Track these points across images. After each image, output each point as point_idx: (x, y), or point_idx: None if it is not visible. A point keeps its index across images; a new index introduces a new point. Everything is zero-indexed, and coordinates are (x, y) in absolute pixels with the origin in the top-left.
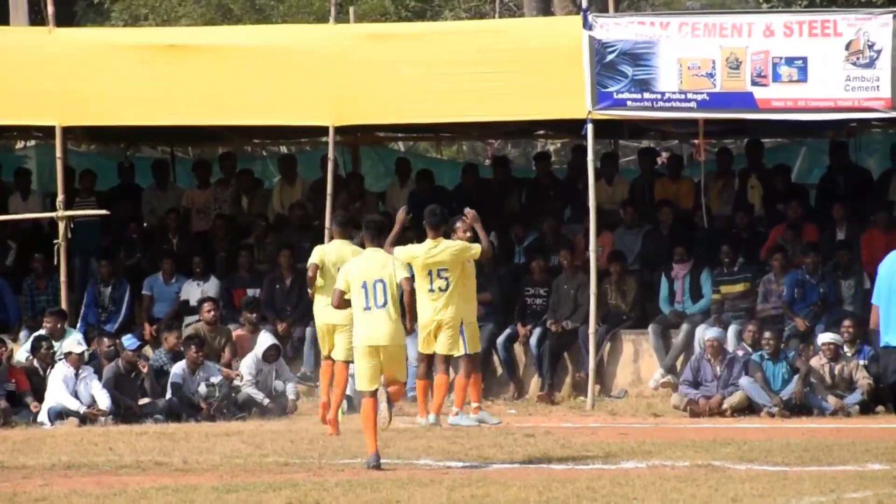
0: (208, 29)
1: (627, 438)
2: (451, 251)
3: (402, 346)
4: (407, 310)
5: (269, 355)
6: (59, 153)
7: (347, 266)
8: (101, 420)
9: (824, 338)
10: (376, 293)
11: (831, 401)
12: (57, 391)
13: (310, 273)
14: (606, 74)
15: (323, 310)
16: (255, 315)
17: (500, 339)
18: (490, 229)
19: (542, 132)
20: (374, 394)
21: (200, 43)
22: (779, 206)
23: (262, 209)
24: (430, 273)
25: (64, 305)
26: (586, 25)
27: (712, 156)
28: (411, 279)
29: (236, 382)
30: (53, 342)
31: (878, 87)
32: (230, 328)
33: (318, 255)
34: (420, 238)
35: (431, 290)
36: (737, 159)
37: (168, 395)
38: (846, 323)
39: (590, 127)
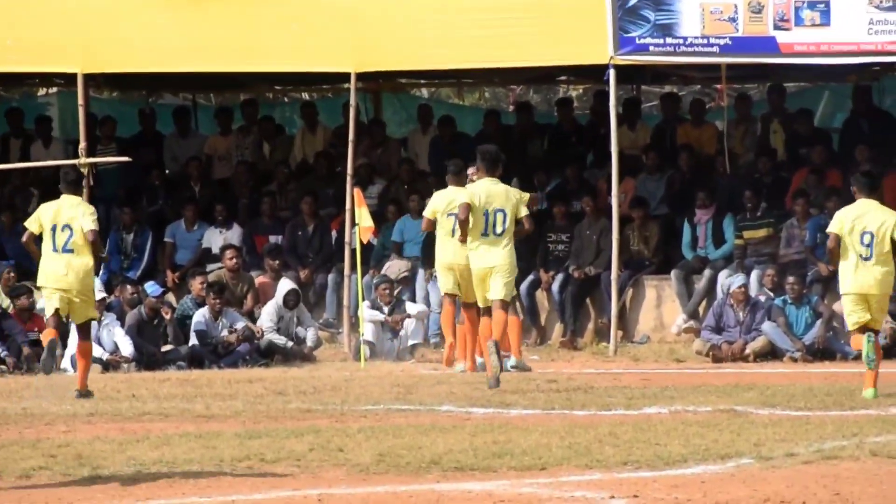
0: None
1: (650, 384)
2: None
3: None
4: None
5: (289, 301)
6: (80, 100)
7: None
8: (123, 366)
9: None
10: (496, 221)
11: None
12: None
13: (461, 215)
14: (628, 19)
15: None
16: (277, 262)
17: (523, 286)
18: (512, 175)
19: (563, 78)
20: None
21: None
22: (801, 151)
23: (283, 156)
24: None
25: None
26: None
27: (733, 101)
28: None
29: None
30: None
31: None
32: (252, 275)
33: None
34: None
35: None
36: (759, 104)
37: (192, 342)
38: None
39: (612, 72)
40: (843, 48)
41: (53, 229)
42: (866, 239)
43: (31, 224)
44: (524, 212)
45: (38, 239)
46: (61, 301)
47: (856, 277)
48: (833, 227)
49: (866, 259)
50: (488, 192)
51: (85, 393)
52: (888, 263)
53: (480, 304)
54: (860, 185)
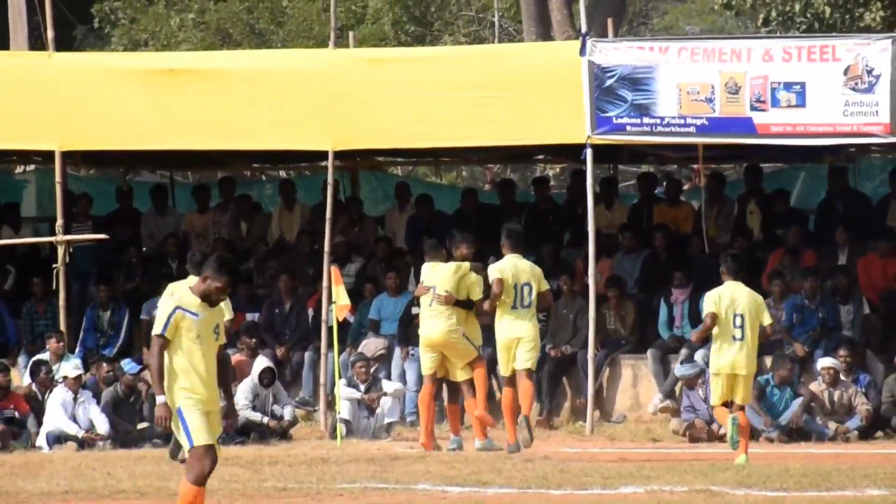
0: (208, 53)
1: (626, 463)
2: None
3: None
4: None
5: (265, 378)
6: (58, 177)
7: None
8: (99, 444)
9: (824, 362)
10: (523, 294)
11: (830, 426)
12: (55, 415)
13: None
14: (606, 99)
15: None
16: (253, 340)
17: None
18: (489, 254)
19: (541, 157)
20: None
21: (200, 67)
22: (778, 232)
23: (261, 234)
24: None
25: (63, 329)
26: (583, 52)
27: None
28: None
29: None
30: (52, 366)
31: (876, 111)
32: (229, 353)
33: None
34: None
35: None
36: (736, 184)
37: None
38: (842, 352)
39: (589, 152)
40: (819, 129)
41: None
42: (738, 321)
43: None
44: (545, 286)
45: None
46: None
47: (728, 357)
48: (711, 307)
49: (738, 339)
50: (516, 266)
51: None
52: (755, 344)
53: (505, 374)
54: (728, 268)
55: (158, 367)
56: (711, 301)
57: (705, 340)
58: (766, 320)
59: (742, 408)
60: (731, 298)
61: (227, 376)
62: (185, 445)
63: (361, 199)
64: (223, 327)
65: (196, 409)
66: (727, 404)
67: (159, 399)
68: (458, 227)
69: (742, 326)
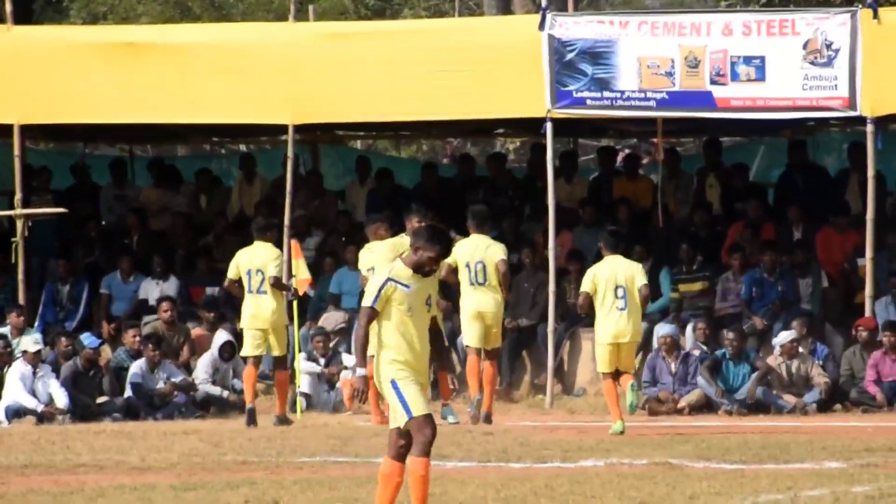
0: (167, 27)
1: (586, 436)
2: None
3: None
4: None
5: (225, 353)
6: (17, 151)
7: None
8: (58, 418)
9: (786, 336)
10: (478, 273)
11: (788, 399)
12: (14, 389)
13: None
14: (566, 73)
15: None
16: (213, 314)
17: (460, 338)
18: (450, 227)
19: (501, 131)
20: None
21: (159, 41)
22: (737, 205)
23: (221, 208)
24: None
25: (22, 304)
26: (542, 26)
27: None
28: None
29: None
30: (11, 340)
31: (835, 86)
32: (189, 327)
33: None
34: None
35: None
36: (695, 158)
37: (127, 394)
38: (795, 323)
39: (549, 126)
40: (779, 103)
41: (249, 273)
42: (620, 292)
43: (230, 271)
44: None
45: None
46: (259, 338)
47: (612, 328)
48: (587, 286)
49: (621, 310)
50: (476, 246)
51: (283, 419)
52: (637, 313)
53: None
54: (606, 242)
55: (364, 338)
56: (588, 279)
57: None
58: (640, 282)
59: (628, 374)
60: (611, 272)
61: (441, 347)
62: (403, 418)
63: (322, 173)
64: (435, 298)
65: (411, 382)
66: (615, 376)
67: (360, 371)
68: (417, 201)
69: (624, 297)
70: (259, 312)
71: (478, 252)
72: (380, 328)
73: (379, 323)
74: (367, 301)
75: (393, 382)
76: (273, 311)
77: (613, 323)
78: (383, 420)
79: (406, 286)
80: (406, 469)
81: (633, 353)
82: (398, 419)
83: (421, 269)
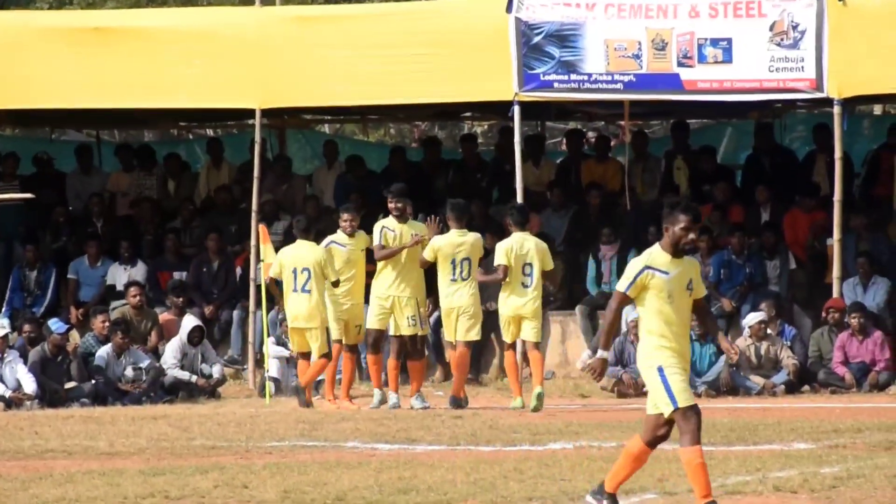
0: (134, 11)
1: (555, 419)
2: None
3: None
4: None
5: (194, 337)
6: None
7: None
8: (26, 404)
9: (755, 317)
10: (462, 269)
11: (757, 381)
12: None
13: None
14: (533, 56)
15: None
16: (181, 299)
17: (431, 322)
18: (418, 211)
19: (468, 114)
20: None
21: (126, 25)
22: (705, 188)
23: (188, 193)
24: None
25: None
26: (510, 9)
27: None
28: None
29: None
30: None
31: (802, 67)
32: (157, 312)
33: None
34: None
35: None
36: (663, 141)
37: (94, 379)
38: (764, 304)
39: (517, 109)
40: (746, 85)
41: (294, 272)
42: (527, 269)
43: (273, 269)
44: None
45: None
46: (301, 336)
47: (514, 302)
48: (502, 259)
49: (526, 287)
50: (454, 242)
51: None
52: (539, 288)
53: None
54: (514, 219)
55: (612, 322)
56: (503, 252)
57: None
58: (549, 265)
59: (536, 346)
60: (520, 248)
61: (711, 325)
62: (667, 407)
63: (290, 157)
64: (698, 279)
65: (677, 370)
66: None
67: (601, 353)
68: (386, 185)
69: (531, 274)
70: (300, 311)
71: (463, 248)
72: (642, 314)
73: (641, 311)
74: (620, 286)
75: (660, 369)
76: (313, 310)
77: (517, 298)
78: (335, 403)
79: (665, 273)
80: (683, 461)
81: (538, 325)
82: (661, 406)
83: (679, 247)
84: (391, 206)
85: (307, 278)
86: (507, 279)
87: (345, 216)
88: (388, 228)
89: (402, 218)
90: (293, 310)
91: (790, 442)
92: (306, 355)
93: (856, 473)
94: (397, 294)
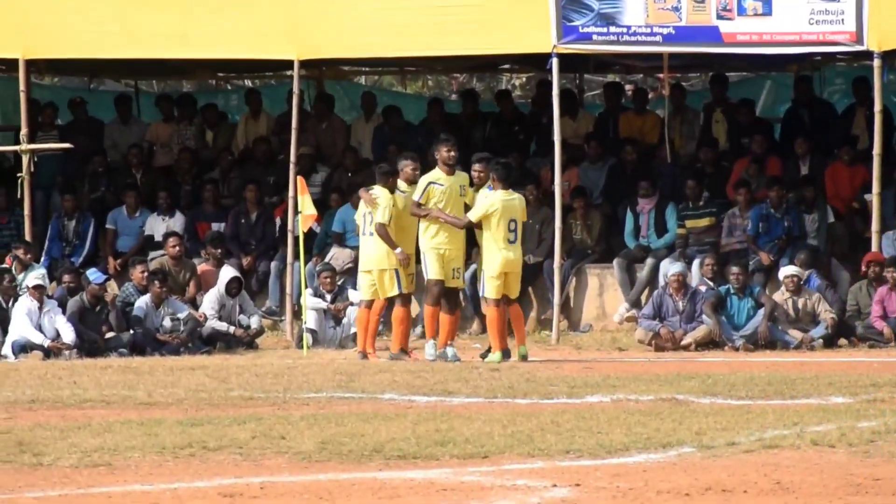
0: None
1: (592, 372)
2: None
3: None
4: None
5: (231, 288)
6: (22, 86)
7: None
8: (65, 354)
9: (786, 271)
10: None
11: (795, 334)
12: (21, 324)
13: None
14: (572, 8)
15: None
16: (219, 250)
17: (467, 275)
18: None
19: (506, 66)
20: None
21: None
22: (743, 141)
23: (226, 143)
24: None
25: (28, 239)
26: None
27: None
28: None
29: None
30: (17, 276)
31: (842, 20)
32: (195, 262)
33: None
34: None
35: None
36: (701, 94)
37: (132, 330)
38: (796, 258)
39: (555, 61)
40: (785, 38)
41: (364, 216)
42: (512, 226)
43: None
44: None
45: None
46: (368, 281)
47: (504, 259)
48: (482, 212)
49: (511, 242)
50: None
51: (396, 356)
52: (520, 244)
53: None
54: (499, 175)
55: None
56: (485, 206)
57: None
58: (524, 218)
59: (517, 306)
60: (504, 205)
61: None
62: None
63: (331, 95)
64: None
65: None
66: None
67: None
68: (424, 136)
69: (515, 230)
70: (368, 255)
71: (512, 208)
72: None
73: None
74: None
75: None
76: (376, 254)
77: (507, 253)
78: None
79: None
80: None
81: (518, 281)
82: None
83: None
84: (446, 155)
85: (370, 222)
86: (489, 234)
87: (409, 163)
88: (436, 183)
89: (451, 170)
90: (361, 254)
91: (828, 396)
92: (369, 303)
93: (894, 427)
94: (448, 246)
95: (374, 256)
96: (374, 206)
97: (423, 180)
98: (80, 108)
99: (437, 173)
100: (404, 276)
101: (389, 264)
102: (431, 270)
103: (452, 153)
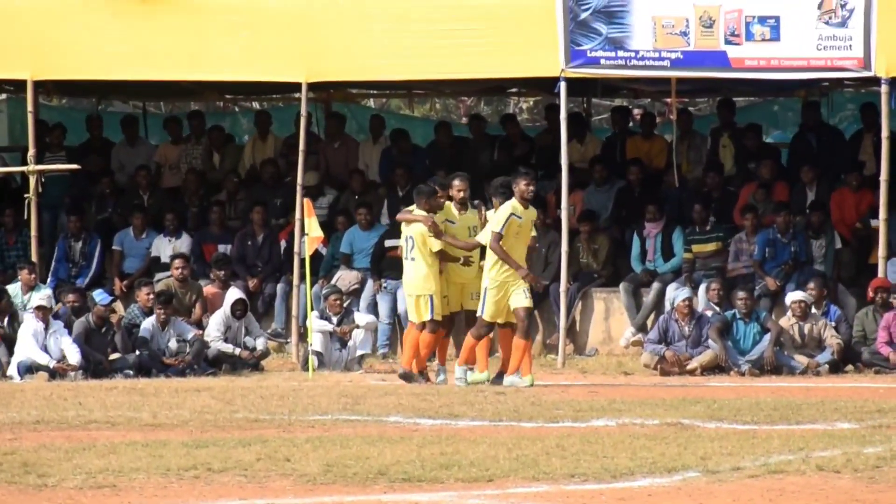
0: None
1: (598, 396)
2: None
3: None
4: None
5: (237, 310)
6: (30, 107)
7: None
8: (70, 375)
9: (793, 296)
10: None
11: (801, 360)
12: (26, 345)
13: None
14: (580, 32)
15: None
16: (223, 272)
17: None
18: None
19: (514, 90)
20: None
21: None
22: (750, 166)
23: (233, 165)
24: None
25: (34, 260)
26: None
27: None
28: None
29: (206, 339)
30: (23, 296)
31: (850, 46)
32: (201, 284)
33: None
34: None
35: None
36: (709, 118)
37: (139, 350)
38: (811, 284)
39: (563, 85)
40: (793, 63)
41: (407, 240)
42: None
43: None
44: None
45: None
46: (411, 304)
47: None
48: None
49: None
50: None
51: (406, 375)
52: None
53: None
54: (497, 193)
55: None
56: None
57: None
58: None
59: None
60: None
61: None
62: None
63: (344, 115)
64: None
65: None
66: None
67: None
68: (431, 160)
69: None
70: (407, 279)
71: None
72: None
73: None
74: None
75: None
76: (414, 279)
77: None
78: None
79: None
80: None
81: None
82: None
83: None
84: (524, 189)
85: (411, 246)
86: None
87: (457, 184)
88: (516, 215)
89: (527, 203)
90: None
91: (833, 421)
92: (421, 325)
93: None
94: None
95: (411, 282)
96: (431, 231)
97: (505, 211)
98: (96, 127)
99: (514, 205)
100: (438, 303)
101: (426, 290)
102: (489, 309)
103: (531, 187)
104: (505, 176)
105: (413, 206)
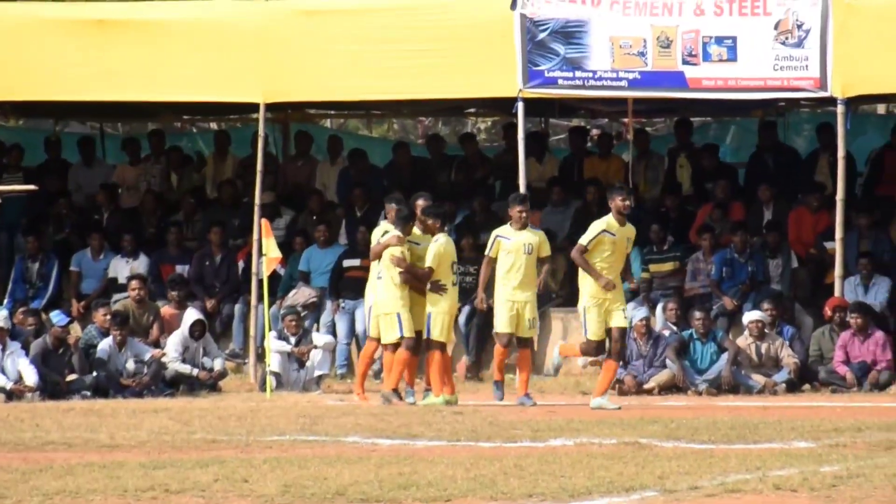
0: (137, 4)
1: (555, 416)
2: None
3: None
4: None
5: (195, 331)
6: None
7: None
8: (27, 396)
9: (750, 316)
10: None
11: (758, 379)
12: None
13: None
14: (538, 52)
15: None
16: (178, 293)
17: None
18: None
19: (472, 110)
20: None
21: (130, 18)
22: (707, 185)
23: (190, 186)
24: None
25: None
26: (514, 5)
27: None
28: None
29: (164, 360)
30: None
31: (806, 66)
32: (158, 305)
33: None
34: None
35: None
36: (666, 138)
37: (96, 371)
38: (766, 305)
39: (521, 105)
40: (750, 83)
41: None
42: (455, 268)
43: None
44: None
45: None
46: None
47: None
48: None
49: (455, 285)
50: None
51: (386, 396)
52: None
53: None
54: (441, 218)
55: None
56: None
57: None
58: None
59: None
60: (449, 248)
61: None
62: None
63: (311, 135)
64: None
65: None
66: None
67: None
68: (389, 180)
69: (458, 273)
70: (377, 298)
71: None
72: None
73: None
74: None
75: None
76: (383, 297)
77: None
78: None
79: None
80: None
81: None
82: None
83: None
84: (621, 204)
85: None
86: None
87: (519, 207)
88: (608, 232)
89: (623, 219)
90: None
91: (790, 440)
92: (389, 346)
93: (856, 472)
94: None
95: (379, 300)
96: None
97: (596, 227)
98: (54, 148)
99: (609, 221)
100: (406, 321)
101: (392, 308)
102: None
103: (628, 202)
104: (459, 196)
105: (382, 223)
